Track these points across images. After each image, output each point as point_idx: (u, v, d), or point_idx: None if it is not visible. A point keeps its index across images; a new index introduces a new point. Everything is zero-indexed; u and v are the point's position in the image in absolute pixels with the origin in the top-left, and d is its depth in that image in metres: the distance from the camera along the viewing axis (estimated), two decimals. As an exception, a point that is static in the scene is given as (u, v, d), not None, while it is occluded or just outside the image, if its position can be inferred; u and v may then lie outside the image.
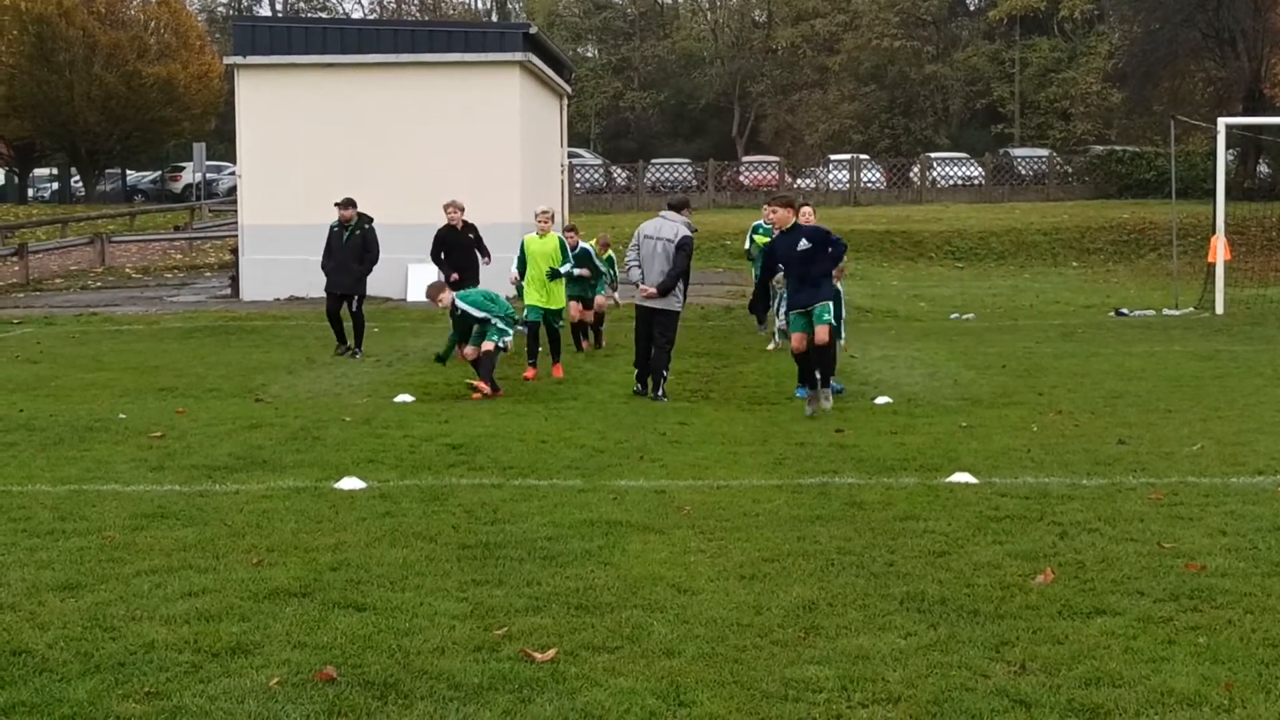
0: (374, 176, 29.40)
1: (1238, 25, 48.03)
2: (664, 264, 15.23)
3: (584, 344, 20.27)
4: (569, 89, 38.88)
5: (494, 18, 79.71)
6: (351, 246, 19.98)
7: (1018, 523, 9.16)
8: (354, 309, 20.12)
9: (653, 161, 58.22)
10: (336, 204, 20.25)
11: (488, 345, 15.69)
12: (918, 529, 9.01)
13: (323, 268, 20.41)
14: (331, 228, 20.27)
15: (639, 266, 15.46)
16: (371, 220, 20.32)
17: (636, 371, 15.82)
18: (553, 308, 17.76)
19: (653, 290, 15.24)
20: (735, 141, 73.04)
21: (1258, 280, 29.07)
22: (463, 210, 20.58)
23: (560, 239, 17.91)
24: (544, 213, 18.01)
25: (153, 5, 63.81)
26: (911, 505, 9.72)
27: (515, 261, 17.81)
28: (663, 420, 13.72)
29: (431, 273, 28.95)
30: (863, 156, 57.83)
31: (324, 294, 20.66)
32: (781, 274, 14.81)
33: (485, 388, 15.57)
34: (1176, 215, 31.65)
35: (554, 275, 17.49)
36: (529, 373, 17.21)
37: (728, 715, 5.86)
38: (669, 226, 15.37)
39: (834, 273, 14.45)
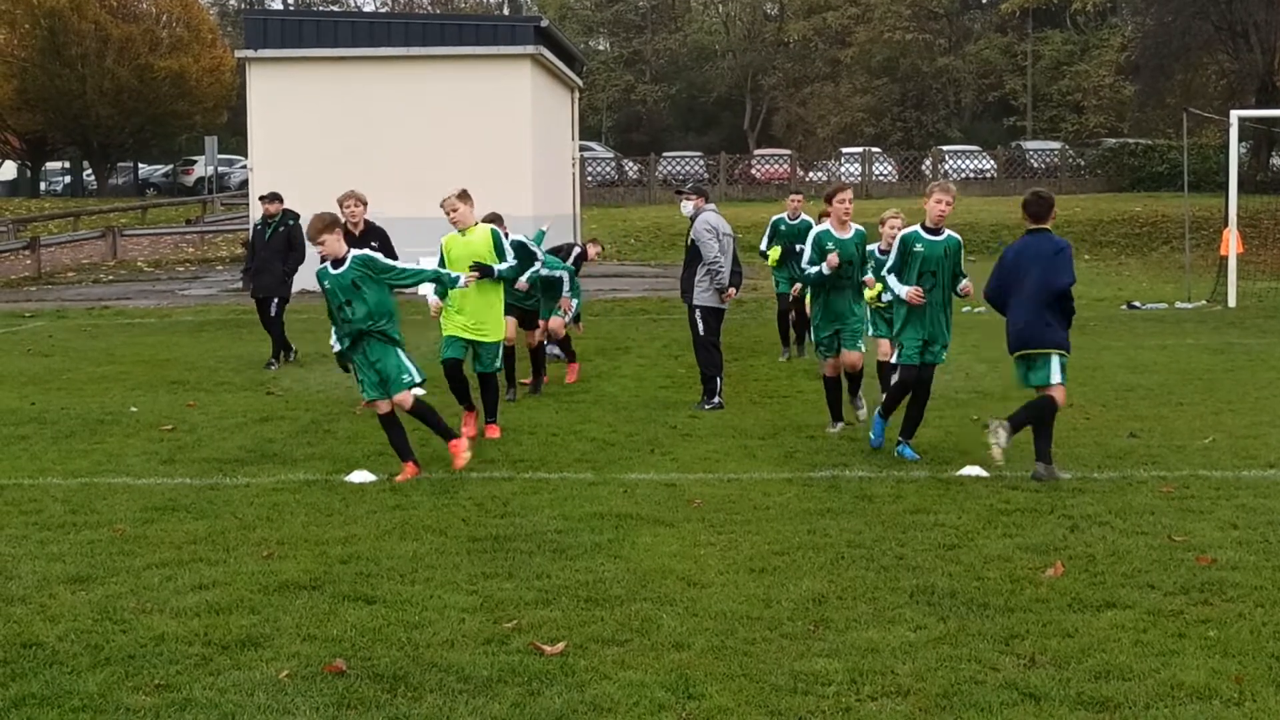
0: (385, 169, 29.43)
1: (1250, 18, 47.78)
2: (729, 261, 14.15)
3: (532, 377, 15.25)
4: (580, 82, 38.86)
5: (505, 11, 79.65)
6: (274, 244, 18.00)
7: (1028, 516, 9.15)
8: (273, 314, 18.01)
9: (664, 155, 58.22)
10: (261, 198, 18.34)
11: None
12: (928, 522, 9.01)
13: (244, 270, 18.36)
14: (254, 225, 18.54)
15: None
16: (297, 217, 17.59)
17: (720, 385, 14.13)
18: (486, 340, 12.42)
19: (736, 293, 14.26)
20: (747, 135, 73.04)
21: (1270, 273, 28.95)
22: (365, 206, 15.08)
23: (494, 231, 12.49)
24: (456, 196, 12.20)
25: (164, -1, 63.95)
26: (922, 498, 9.72)
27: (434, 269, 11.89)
28: (673, 414, 13.70)
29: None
30: (875, 149, 57.73)
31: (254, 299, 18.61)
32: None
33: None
34: (1189, 208, 31.48)
35: (485, 271, 12.22)
36: (468, 429, 12.19)
37: (737, 708, 5.86)
38: (723, 220, 14.35)
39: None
